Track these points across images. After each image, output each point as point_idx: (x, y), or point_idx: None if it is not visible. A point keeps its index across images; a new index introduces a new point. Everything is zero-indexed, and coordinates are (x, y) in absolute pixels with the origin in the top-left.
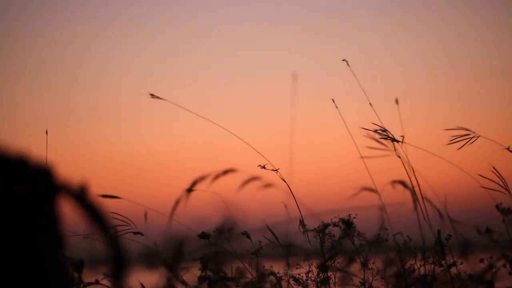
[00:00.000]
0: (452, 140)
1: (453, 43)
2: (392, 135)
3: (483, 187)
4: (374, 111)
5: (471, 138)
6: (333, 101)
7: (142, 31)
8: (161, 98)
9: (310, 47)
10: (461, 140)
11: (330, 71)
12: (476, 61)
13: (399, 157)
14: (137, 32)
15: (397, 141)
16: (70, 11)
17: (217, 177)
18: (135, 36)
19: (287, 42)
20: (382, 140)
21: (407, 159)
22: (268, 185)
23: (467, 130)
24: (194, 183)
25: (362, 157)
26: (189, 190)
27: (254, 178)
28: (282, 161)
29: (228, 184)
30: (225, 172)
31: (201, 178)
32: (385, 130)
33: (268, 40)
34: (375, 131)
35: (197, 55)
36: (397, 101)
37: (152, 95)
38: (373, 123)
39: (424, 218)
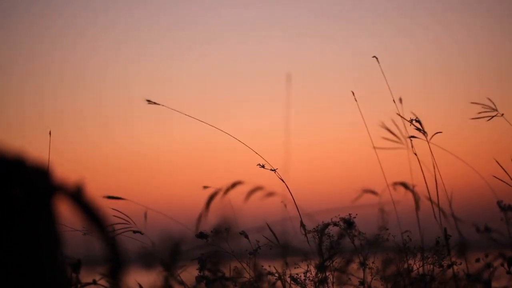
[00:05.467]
0: (479, 113)
1: (451, 43)
2: (423, 128)
3: (495, 176)
4: (397, 108)
5: (495, 115)
6: (353, 93)
7: (143, 33)
8: (157, 104)
9: (305, 48)
10: (486, 115)
11: (328, 71)
12: (473, 62)
13: (415, 154)
14: (139, 34)
15: (425, 133)
16: (73, 12)
17: (227, 191)
18: (137, 37)
19: (282, 43)
20: (396, 133)
21: (432, 155)
22: (270, 194)
23: (493, 104)
24: (210, 200)
25: (375, 148)
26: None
27: (258, 188)
28: (279, 161)
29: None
30: (234, 185)
31: (215, 194)
32: (418, 121)
33: (264, 42)
34: (410, 120)
35: (197, 56)
36: (400, 100)
37: (148, 101)
38: (412, 112)
39: (435, 217)
